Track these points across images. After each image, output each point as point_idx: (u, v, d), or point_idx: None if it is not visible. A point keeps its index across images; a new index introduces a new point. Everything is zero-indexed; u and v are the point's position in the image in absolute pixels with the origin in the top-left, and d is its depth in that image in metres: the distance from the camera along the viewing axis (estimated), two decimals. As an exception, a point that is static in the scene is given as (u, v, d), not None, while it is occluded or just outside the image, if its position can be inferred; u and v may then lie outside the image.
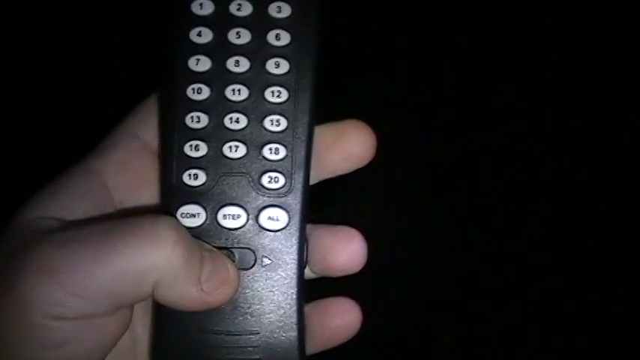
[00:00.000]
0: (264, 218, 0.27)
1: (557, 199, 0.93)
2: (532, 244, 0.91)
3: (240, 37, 0.27)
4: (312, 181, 0.28)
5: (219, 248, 0.27)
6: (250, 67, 0.27)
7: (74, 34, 0.88)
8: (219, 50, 0.27)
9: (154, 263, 0.24)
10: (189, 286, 0.25)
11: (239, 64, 0.27)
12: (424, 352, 0.88)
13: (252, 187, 0.27)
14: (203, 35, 0.27)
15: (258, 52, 0.27)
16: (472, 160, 0.94)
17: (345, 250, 0.28)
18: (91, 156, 0.28)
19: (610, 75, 0.96)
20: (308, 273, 0.29)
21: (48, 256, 0.23)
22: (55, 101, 0.86)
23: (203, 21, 0.27)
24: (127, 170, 0.28)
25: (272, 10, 0.27)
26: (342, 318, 0.29)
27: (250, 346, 0.27)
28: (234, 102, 0.27)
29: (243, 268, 0.27)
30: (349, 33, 0.96)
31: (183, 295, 0.25)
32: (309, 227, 0.28)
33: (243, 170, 0.27)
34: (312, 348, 0.29)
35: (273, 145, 0.27)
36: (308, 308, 0.29)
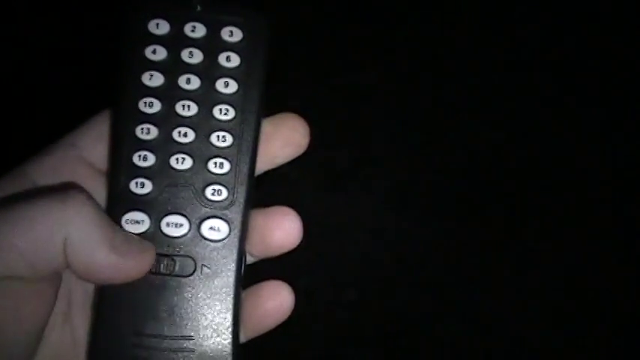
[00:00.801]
0: (205, 228, 0.28)
1: (562, 196, 0.95)
2: (534, 241, 0.93)
3: (193, 56, 0.29)
4: (256, 172, 0.30)
5: (161, 255, 0.28)
6: (201, 85, 0.29)
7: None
8: (172, 67, 0.29)
9: (63, 219, 0.25)
10: (102, 246, 0.26)
11: (190, 82, 0.29)
12: (428, 348, 0.89)
13: (195, 198, 0.29)
14: (158, 53, 0.29)
15: (209, 71, 0.29)
16: (474, 155, 0.96)
17: (280, 228, 0.29)
18: (27, 161, 0.29)
19: (612, 70, 0.99)
20: (248, 257, 0.30)
21: None
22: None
23: (158, 40, 0.29)
24: (59, 176, 0.29)
25: (224, 33, 0.29)
26: (274, 300, 0.30)
27: (185, 351, 0.28)
28: (183, 117, 0.29)
29: (183, 275, 0.28)
30: (351, 26, 0.97)
31: (95, 256, 0.26)
32: None
33: (188, 182, 0.29)
34: (248, 333, 0.30)
35: (218, 160, 0.29)
36: (244, 293, 0.30)
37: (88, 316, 0.29)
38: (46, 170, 0.29)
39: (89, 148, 0.29)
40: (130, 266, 0.27)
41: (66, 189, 0.26)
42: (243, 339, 0.30)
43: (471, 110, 0.99)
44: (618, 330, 0.90)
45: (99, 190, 0.29)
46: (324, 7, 1.02)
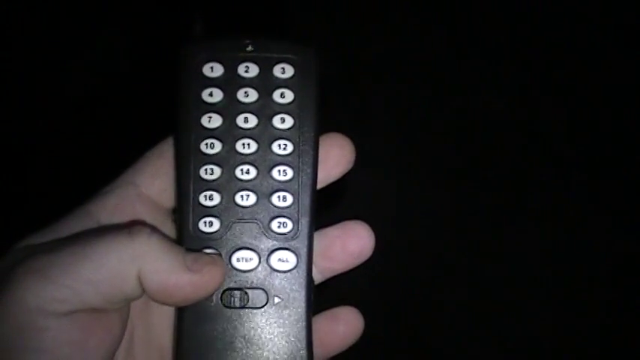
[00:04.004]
0: (274, 260, 0.30)
1: (563, 161, 0.96)
2: (534, 206, 0.95)
3: (248, 96, 0.30)
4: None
5: (234, 289, 0.29)
6: (258, 123, 0.30)
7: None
8: (230, 108, 0.30)
9: (133, 252, 0.26)
10: (175, 268, 0.27)
11: (248, 121, 0.30)
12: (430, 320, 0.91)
13: (262, 232, 0.30)
14: (214, 95, 0.30)
15: (265, 109, 0.30)
16: (474, 122, 0.97)
17: (356, 237, 0.31)
18: (89, 200, 0.30)
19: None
20: (325, 274, 0.32)
21: (35, 259, 0.26)
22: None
23: (214, 82, 0.30)
24: (121, 213, 0.30)
25: (276, 71, 0.30)
26: (348, 324, 0.32)
27: None
28: (244, 155, 0.30)
29: (256, 307, 0.30)
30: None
31: (170, 277, 0.27)
32: (317, 233, 0.31)
33: (254, 217, 0.30)
34: (321, 355, 0.31)
35: (281, 193, 0.30)
36: (317, 317, 0.31)
37: (149, 351, 0.30)
38: (109, 208, 0.30)
39: (147, 185, 0.31)
40: (207, 280, 0.28)
41: (130, 225, 0.28)
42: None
43: (470, 78, 0.99)
44: (615, 286, 0.92)
45: (161, 224, 0.31)
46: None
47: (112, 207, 0.30)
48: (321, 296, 0.32)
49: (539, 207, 0.95)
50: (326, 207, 0.32)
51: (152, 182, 0.31)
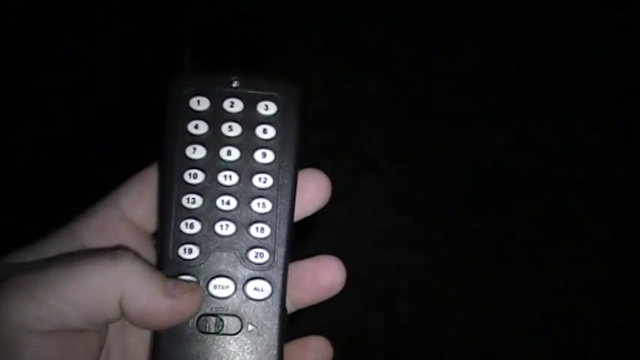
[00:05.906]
0: (250, 289, 0.31)
1: (562, 200, 0.98)
2: (534, 244, 0.96)
3: (232, 130, 0.31)
4: None
5: (210, 315, 0.31)
6: (240, 156, 0.31)
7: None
8: (214, 141, 0.31)
9: (116, 276, 0.28)
10: (155, 293, 0.28)
11: (230, 153, 0.31)
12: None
13: (239, 260, 0.31)
14: (199, 127, 0.31)
15: (248, 143, 0.32)
16: (473, 160, 0.98)
17: (331, 270, 0.32)
18: (74, 220, 0.31)
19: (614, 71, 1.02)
20: (298, 304, 0.33)
21: (20, 277, 0.27)
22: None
23: (200, 115, 0.31)
24: (104, 234, 0.31)
25: (260, 107, 0.32)
26: (317, 352, 0.33)
27: None
28: (225, 186, 0.31)
29: (230, 333, 0.31)
30: (350, 37, 1.00)
31: (150, 302, 0.28)
32: (292, 265, 0.32)
33: (232, 246, 0.31)
34: None
35: (259, 225, 0.31)
36: (288, 345, 0.32)
37: None
38: (93, 229, 0.31)
39: (131, 207, 0.32)
40: (185, 306, 0.29)
41: (113, 249, 0.29)
42: None
43: (470, 116, 1.01)
44: (615, 331, 0.94)
45: (142, 248, 0.32)
46: (324, 20, 1.04)
47: (95, 227, 0.31)
48: (297, 325, 0.33)
49: (539, 244, 0.97)
50: (303, 240, 0.34)
51: (135, 206, 0.32)
